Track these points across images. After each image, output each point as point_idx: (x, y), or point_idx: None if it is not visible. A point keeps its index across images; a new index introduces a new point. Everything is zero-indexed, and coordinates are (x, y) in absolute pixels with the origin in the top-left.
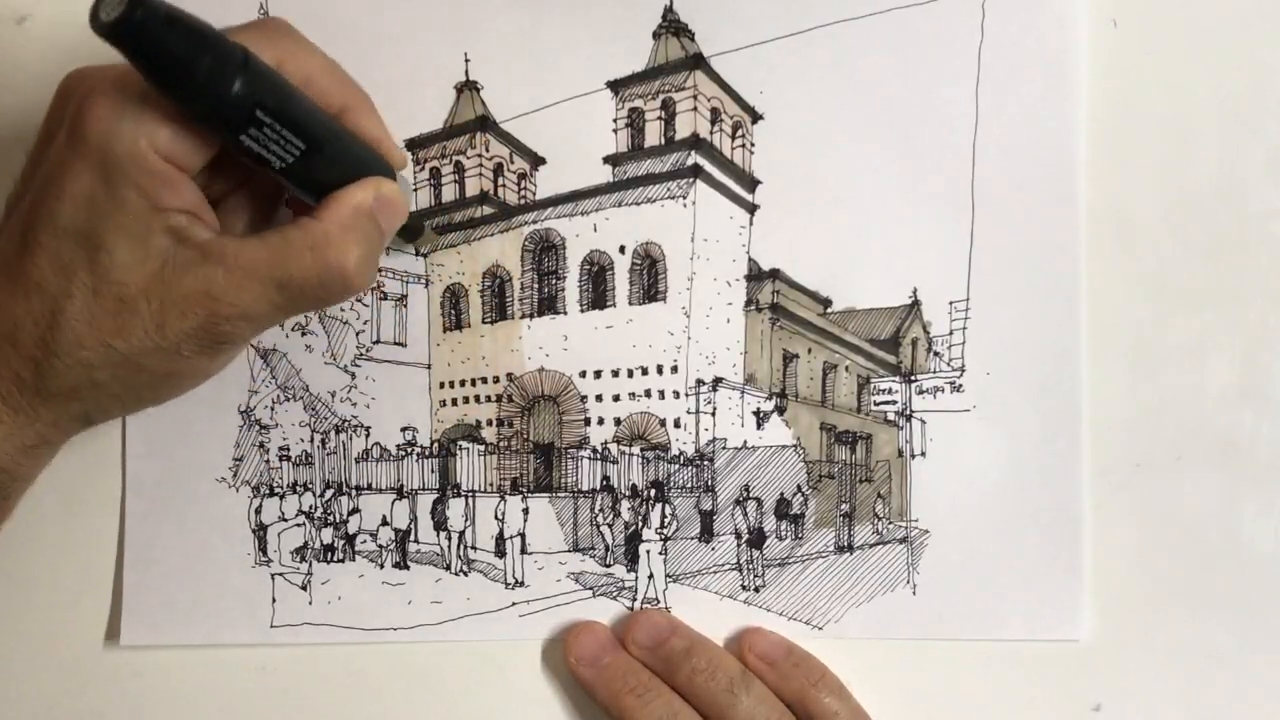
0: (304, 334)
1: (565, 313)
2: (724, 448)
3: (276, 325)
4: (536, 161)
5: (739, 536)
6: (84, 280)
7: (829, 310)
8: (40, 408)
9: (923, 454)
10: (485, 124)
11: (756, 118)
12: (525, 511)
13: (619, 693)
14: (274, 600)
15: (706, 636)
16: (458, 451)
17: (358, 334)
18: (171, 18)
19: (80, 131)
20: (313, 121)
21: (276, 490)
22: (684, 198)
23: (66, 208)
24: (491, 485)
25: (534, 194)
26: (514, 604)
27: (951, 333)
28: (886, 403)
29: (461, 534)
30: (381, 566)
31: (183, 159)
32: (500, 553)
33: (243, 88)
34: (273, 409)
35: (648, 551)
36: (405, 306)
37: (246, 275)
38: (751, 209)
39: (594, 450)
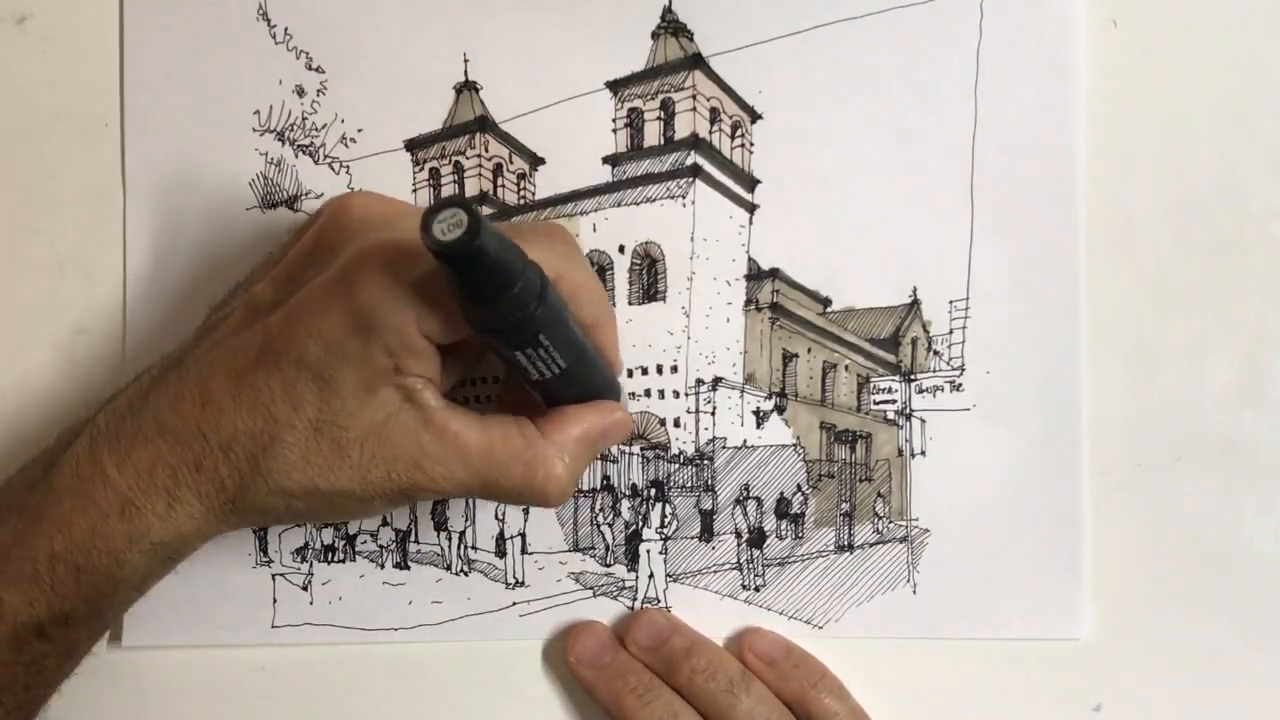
0: None
1: None
2: (724, 447)
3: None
4: (536, 162)
5: (739, 536)
6: (309, 415)
7: (829, 309)
8: (231, 515)
9: (923, 453)
10: (484, 124)
11: (756, 117)
12: (525, 511)
13: (619, 693)
14: (275, 600)
15: (706, 637)
16: None
17: None
18: (500, 245)
19: (351, 287)
20: (574, 343)
21: None
22: (683, 197)
23: (316, 349)
24: None
25: (533, 194)
26: (514, 604)
27: (951, 332)
28: (886, 402)
29: (462, 534)
30: (382, 566)
31: (439, 338)
32: (501, 553)
33: (536, 314)
34: None
35: (648, 551)
36: None
37: (457, 458)
38: (751, 208)
39: None
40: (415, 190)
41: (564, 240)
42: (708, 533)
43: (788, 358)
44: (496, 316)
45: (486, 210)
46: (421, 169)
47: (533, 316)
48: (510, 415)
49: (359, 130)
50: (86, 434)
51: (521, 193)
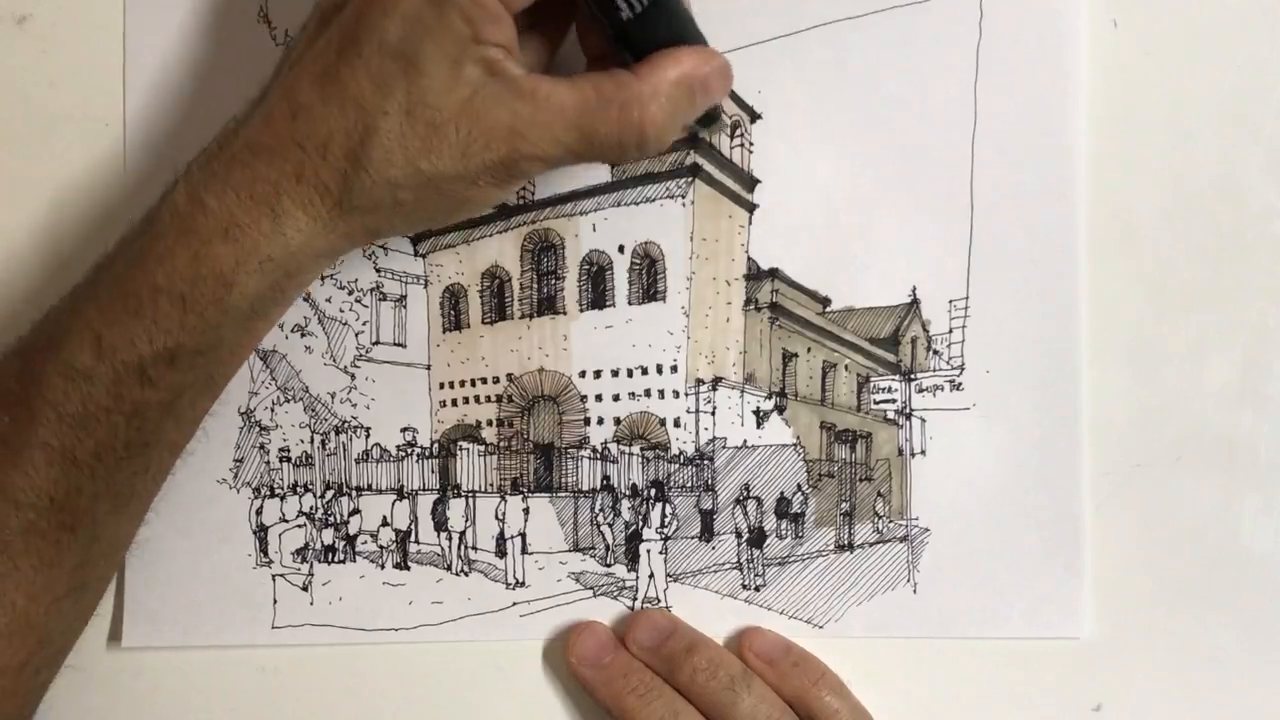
0: (303, 335)
1: (565, 313)
2: (724, 447)
3: (563, 167)
4: None
5: (739, 535)
6: (400, 100)
7: (828, 309)
8: (339, 219)
9: (923, 452)
10: None
11: (755, 117)
12: (526, 511)
13: (620, 693)
14: (275, 601)
15: (707, 635)
16: (458, 452)
17: (357, 335)
18: None
19: None
20: None
21: (277, 491)
22: (683, 197)
23: (394, 24)
24: (492, 485)
25: (533, 194)
26: (515, 604)
27: (951, 331)
28: (886, 401)
29: (462, 534)
30: (382, 567)
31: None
32: (501, 553)
33: None
34: (273, 410)
35: (648, 551)
36: (404, 307)
37: (554, 117)
38: (750, 208)
39: (594, 450)
40: None
41: None
42: (708, 532)
43: (787, 357)
44: None
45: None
46: None
47: None
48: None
49: None
50: (181, 180)
51: (521, 192)
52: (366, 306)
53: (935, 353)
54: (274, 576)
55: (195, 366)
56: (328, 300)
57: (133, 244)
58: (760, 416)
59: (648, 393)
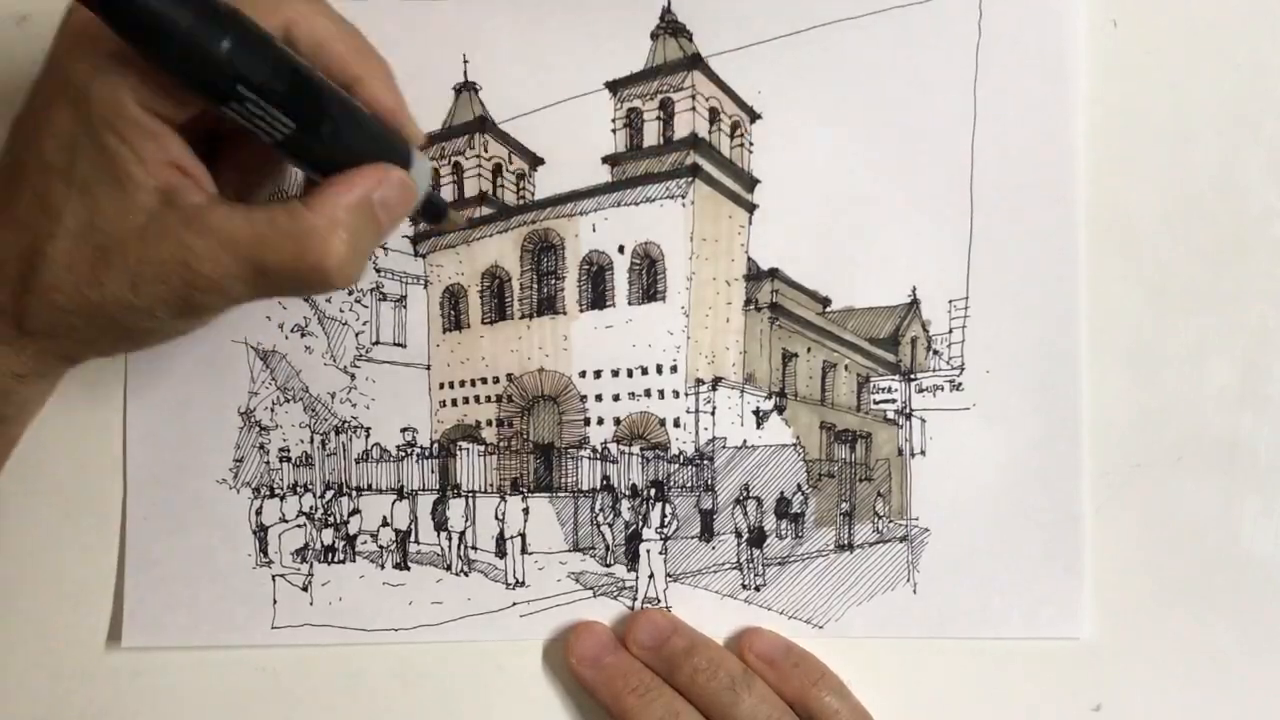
0: (303, 335)
1: (565, 313)
2: (724, 447)
3: (260, 302)
4: (535, 162)
5: (739, 535)
6: (68, 225)
7: (828, 309)
8: (22, 340)
9: (922, 452)
10: (484, 125)
11: (755, 117)
12: (525, 511)
13: (620, 693)
14: (275, 601)
15: (708, 636)
16: (458, 452)
17: (357, 335)
18: None
19: (61, 69)
20: (311, 97)
21: (277, 491)
22: (683, 197)
23: (50, 145)
24: (491, 485)
25: (533, 194)
26: (514, 604)
27: (951, 331)
28: (886, 401)
29: (462, 534)
30: (382, 567)
31: (166, 112)
32: (501, 553)
33: (227, 55)
34: (273, 410)
35: (648, 551)
36: (404, 307)
37: (225, 250)
38: (750, 208)
39: (594, 450)
40: None
41: None
42: (708, 532)
43: (787, 357)
44: (171, 62)
45: (485, 210)
46: None
47: (218, 62)
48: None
49: None
50: None
51: (521, 193)
52: (366, 306)
53: (935, 353)
54: (274, 576)
55: None
56: (328, 300)
57: None
58: (760, 416)
59: (648, 393)
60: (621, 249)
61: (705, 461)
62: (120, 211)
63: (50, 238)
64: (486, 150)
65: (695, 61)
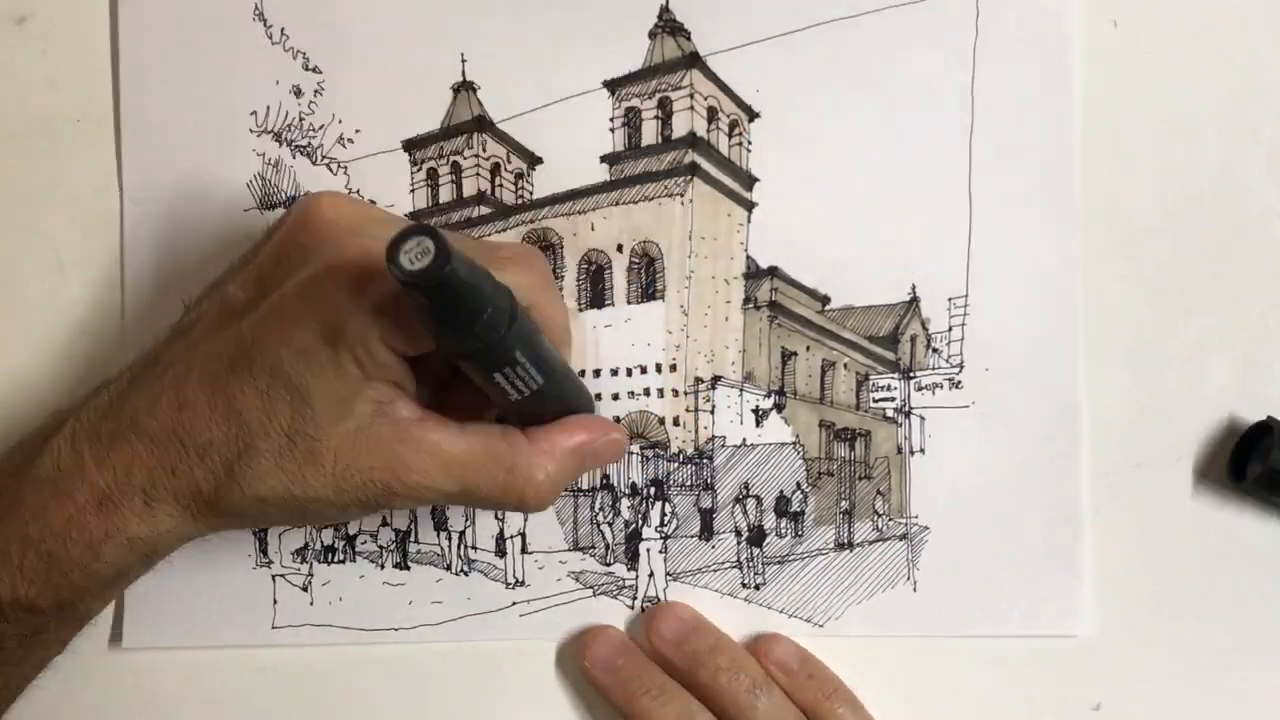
0: None
1: None
2: (723, 445)
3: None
4: (533, 161)
5: (739, 534)
6: (282, 424)
7: (827, 307)
8: (208, 518)
9: (922, 450)
10: (482, 124)
11: (753, 116)
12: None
13: (635, 695)
14: (275, 601)
15: (729, 636)
16: None
17: None
18: (468, 272)
19: (320, 298)
20: (548, 361)
21: None
22: (681, 196)
23: (289, 355)
24: None
25: (531, 193)
26: (515, 603)
27: (950, 329)
28: (885, 399)
29: (462, 534)
30: (382, 567)
31: (404, 349)
32: (500, 552)
33: (510, 338)
34: None
35: (648, 550)
36: None
37: (436, 465)
38: (749, 207)
39: None
40: (413, 190)
41: (538, 269)
42: (707, 531)
43: (786, 356)
44: (469, 341)
45: (484, 210)
46: (419, 169)
47: (505, 339)
48: (497, 424)
49: (356, 131)
50: (69, 429)
51: (519, 192)
52: None
53: (935, 351)
54: (274, 576)
55: (56, 614)
56: None
57: (14, 479)
58: (759, 415)
59: (647, 391)
60: (620, 248)
61: (705, 460)
62: (334, 420)
63: (265, 435)
64: (485, 150)
65: (693, 60)
